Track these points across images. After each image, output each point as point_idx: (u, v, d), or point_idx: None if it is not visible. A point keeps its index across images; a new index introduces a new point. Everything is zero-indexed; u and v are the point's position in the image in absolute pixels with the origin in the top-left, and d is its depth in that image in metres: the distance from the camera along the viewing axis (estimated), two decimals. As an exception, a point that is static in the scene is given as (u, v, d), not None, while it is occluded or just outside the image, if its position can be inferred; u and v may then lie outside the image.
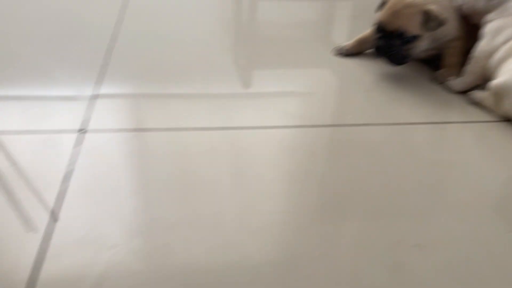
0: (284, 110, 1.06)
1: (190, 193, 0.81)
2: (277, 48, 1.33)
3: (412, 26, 1.08)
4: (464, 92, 1.12)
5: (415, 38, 1.09)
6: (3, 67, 1.16)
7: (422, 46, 1.12)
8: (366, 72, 1.22)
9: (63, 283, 0.64)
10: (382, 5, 1.13)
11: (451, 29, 1.14)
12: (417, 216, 0.79)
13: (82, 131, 0.95)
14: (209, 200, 0.80)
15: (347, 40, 1.31)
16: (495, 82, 1.03)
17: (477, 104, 1.09)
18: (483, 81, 1.09)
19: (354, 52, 1.28)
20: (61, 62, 1.19)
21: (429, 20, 1.08)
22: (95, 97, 1.05)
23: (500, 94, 1.02)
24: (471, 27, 1.14)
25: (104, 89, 1.08)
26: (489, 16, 1.10)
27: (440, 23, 1.08)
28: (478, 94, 1.09)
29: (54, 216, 0.74)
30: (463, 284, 0.67)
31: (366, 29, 1.25)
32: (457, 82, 1.14)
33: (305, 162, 0.90)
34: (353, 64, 1.26)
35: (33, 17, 1.41)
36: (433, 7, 1.08)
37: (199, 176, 0.85)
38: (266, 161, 0.90)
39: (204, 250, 0.71)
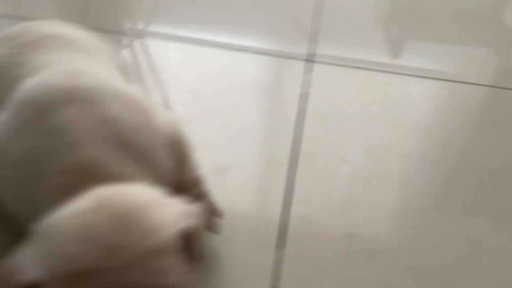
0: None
1: (413, 130, 0.86)
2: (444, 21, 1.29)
3: None
4: None
5: None
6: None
7: None
8: None
9: (316, 185, 0.73)
10: None
11: None
12: None
13: (309, 60, 1.03)
14: (431, 139, 0.84)
15: None
16: None
17: None
18: None
19: None
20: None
21: None
22: (316, 33, 1.13)
23: None
24: None
25: (323, 27, 1.16)
26: None
27: None
28: None
29: (298, 128, 0.84)
30: None
31: None
32: None
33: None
34: None
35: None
36: None
37: (416, 117, 0.89)
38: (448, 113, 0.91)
39: (440, 183, 0.76)
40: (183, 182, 0.58)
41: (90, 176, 0.44)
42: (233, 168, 0.73)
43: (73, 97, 0.46)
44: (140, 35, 1.08)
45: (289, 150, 0.79)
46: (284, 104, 0.89)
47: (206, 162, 0.74)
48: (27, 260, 0.39)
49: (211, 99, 0.88)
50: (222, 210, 0.62)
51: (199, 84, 0.92)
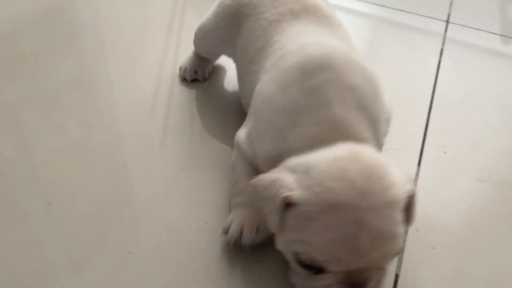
0: None
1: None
2: None
3: None
4: None
5: None
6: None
7: None
8: None
9: (450, 124, 0.85)
10: None
11: None
12: None
13: (447, 21, 1.12)
14: None
15: None
16: None
17: None
18: None
19: None
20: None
21: None
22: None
23: None
24: None
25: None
26: None
27: None
28: None
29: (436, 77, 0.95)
30: None
31: None
32: None
33: None
34: None
35: None
36: None
37: None
38: None
39: None
40: None
41: (337, 131, 0.52)
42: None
43: (328, 65, 0.55)
44: None
45: (430, 92, 0.91)
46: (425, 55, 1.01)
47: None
48: (290, 182, 0.48)
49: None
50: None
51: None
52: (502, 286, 0.60)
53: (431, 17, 1.14)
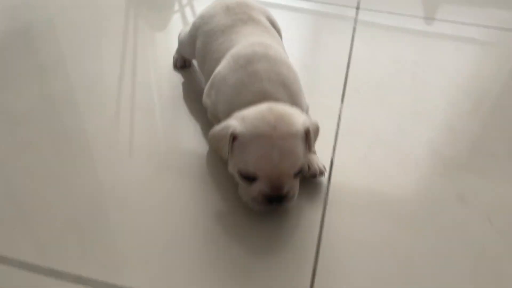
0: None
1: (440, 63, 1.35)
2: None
3: None
4: None
5: None
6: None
7: None
8: None
9: (360, 103, 1.24)
10: None
11: None
12: None
13: (357, 8, 1.53)
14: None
15: None
16: None
17: None
18: None
19: None
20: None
21: None
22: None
23: None
24: None
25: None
26: None
27: None
28: None
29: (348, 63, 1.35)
30: None
31: None
32: None
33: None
34: None
35: None
36: None
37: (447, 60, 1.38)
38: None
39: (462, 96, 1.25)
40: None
41: (264, 97, 0.79)
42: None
43: (264, 58, 0.83)
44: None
45: (343, 78, 1.29)
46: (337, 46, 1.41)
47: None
48: (234, 124, 0.74)
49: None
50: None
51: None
52: (395, 178, 0.99)
53: (345, 6, 1.54)
